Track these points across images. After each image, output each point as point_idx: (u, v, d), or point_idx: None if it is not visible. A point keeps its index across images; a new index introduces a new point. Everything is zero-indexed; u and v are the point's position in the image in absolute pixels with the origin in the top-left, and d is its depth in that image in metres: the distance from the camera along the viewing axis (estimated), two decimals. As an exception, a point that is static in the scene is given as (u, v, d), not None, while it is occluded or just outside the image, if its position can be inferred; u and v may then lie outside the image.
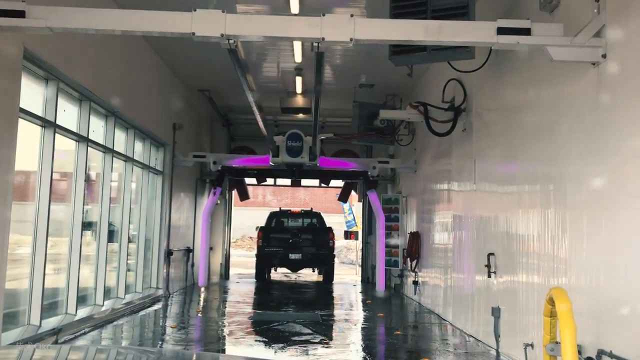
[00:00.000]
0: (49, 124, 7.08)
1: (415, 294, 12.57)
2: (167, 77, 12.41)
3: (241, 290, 15.19)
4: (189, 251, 14.39)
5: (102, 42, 8.43)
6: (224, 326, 9.48)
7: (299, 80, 12.84)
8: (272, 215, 19.30)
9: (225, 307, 12.05)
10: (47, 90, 7.13)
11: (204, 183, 16.12)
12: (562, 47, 4.86)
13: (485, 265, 7.50)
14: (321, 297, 14.24)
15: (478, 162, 8.29)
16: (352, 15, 4.77)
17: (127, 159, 10.27)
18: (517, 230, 6.70)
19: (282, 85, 13.79)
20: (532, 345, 6.01)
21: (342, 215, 26.85)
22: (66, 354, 1.62)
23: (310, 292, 15.27)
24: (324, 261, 16.96)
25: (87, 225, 8.81)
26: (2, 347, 4.41)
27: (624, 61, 4.56)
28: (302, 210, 19.74)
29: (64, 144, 7.86)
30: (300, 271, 19.86)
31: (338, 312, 11.57)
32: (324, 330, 9.19)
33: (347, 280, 19.11)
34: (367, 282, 17.56)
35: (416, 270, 12.53)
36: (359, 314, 11.74)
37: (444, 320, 9.95)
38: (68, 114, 7.83)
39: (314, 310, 11.24)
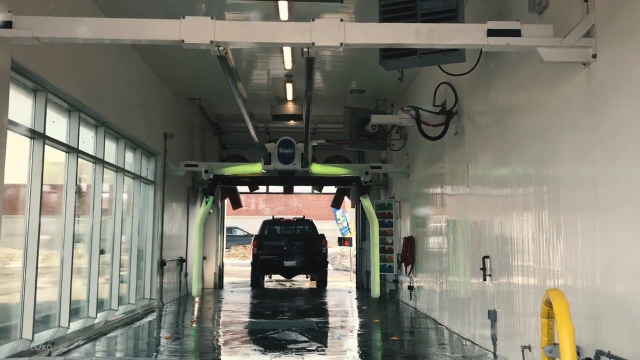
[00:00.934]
0: (38, 136, 7.01)
1: (410, 299, 12.53)
2: (157, 87, 12.37)
3: (236, 299, 15.10)
4: (182, 261, 14.30)
5: (91, 52, 8.38)
6: (219, 336, 9.40)
7: (289, 87, 12.82)
8: (265, 224, 19.73)
9: (220, 317, 11.96)
10: (36, 101, 7.07)
11: (196, 192, 16.05)
12: (552, 47, 4.86)
13: (481, 269, 7.48)
14: (316, 304, 14.17)
15: (471, 165, 8.29)
16: (341, 20, 4.76)
17: (118, 169, 10.20)
18: (512, 232, 6.68)
19: (272, 93, 13.77)
20: (529, 348, 5.98)
21: (335, 222, 26.83)
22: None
23: (305, 299, 15.20)
24: (318, 267, 17.42)
25: (78, 237, 8.72)
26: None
27: (615, 60, 4.56)
28: (294, 218, 20.28)
29: (54, 155, 7.78)
30: (294, 278, 20.13)
31: (333, 319, 11.51)
32: (320, 337, 9.13)
33: (341, 286, 19.05)
34: (362, 288, 17.51)
35: (411, 275, 12.50)
36: (354, 321, 11.68)
37: (440, 324, 9.91)
38: (57, 124, 7.77)
39: (309, 318, 11.18)
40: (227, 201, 18.12)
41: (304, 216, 20.80)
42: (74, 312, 8.43)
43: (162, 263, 12.36)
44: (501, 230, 7.03)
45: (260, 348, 8.11)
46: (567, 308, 3.68)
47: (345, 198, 18.10)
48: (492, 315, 7.20)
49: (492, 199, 7.44)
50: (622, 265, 4.42)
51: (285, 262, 16.90)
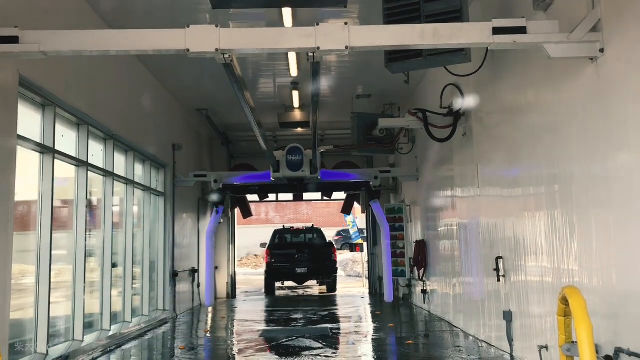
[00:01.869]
0: (47, 150, 7.05)
1: (424, 302, 12.45)
2: (164, 98, 12.42)
3: (249, 308, 15.08)
4: (194, 271, 14.30)
5: (98, 66, 8.43)
6: (233, 345, 9.38)
7: (295, 94, 12.84)
8: (276, 233, 20.77)
9: (234, 326, 11.94)
10: (45, 116, 7.11)
11: (206, 203, 16.07)
12: (559, 44, 4.83)
13: (494, 269, 7.42)
14: (329, 310, 14.12)
15: (480, 166, 8.24)
16: (346, 23, 4.75)
17: (128, 181, 10.23)
18: (525, 232, 6.62)
19: (279, 101, 13.80)
20: (546, 348, 5.92)
21: (347, 229, 26.78)
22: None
23: (318, 306, 15.15)
24: (328, 273, 18.13)
25: (90, 251, 8.75)
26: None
27: (623, 54, 4.52)
28: (303, 227, 21.45)
29: (64, 169, 7.82)
30: (305, 285, 20.80)
31: (347, 325, 11.46)
32: (335, 343, 9.09)
33: (354, 292, 18.98)
34: (375, 293, 17.44)
35: (424, 279, 12.43)
36: (368, 326, 11.62)
37: (455, 327, 9.84)
38: (67, 139, 7.81)
39: (323, 324, 11.14)
40: (237, 211, 18.12)
41: (312, 225, 21.75)
42: (88, 326, 8.44)
43: (174, 274, 12.37)
44: (513, 230, 6.97)
45: (275, 356, 8.07)
46: (584, 305, 3.63)
47: (355, 204, 18.04)
48: (508, 316, 7.14)
49: (503, 200, 7.38)
50: (638, 261, 4.36)
51: (297, 269, 17.64)
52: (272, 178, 11.85)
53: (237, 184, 12.63)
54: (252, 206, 18.91)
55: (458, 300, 9.85)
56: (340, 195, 17.51)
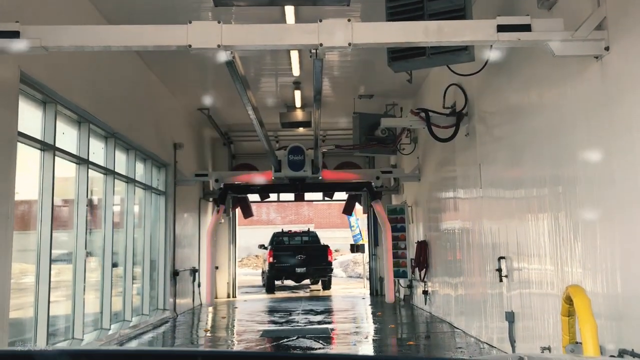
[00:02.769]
0: (48, 147, 7.02)
1: (425, 303, 12.41)
2: (165, 98, 12.39)
3: (249, 308, 15.04)
4: (194, 271, 14.26)
5: (99, 63, 8.40)
6: (234, 344, 9.34)
7: (297, 94, 12.80)
8: (275, 235, 22.54)
9: (234, 326, 11.91)
10: (46, 113, 7.08)
11: (207, 202, 16.05)
12: (563, 42, 4.79)
13: (497, 270, 7.37)
14: (330, 310, 14.08)
15: (483, 167, 8.20)
16: (349, 20, 4.72)
17: (129, 180, 10.19)
18: (528, 233, 6.58)
19: (281, 101, 13.76)
20: (549, 349, 5.87)
21: (348, 230, 26.85)
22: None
23: (318, 306, 15.11)
24: (324, 273, 19.88)
25: (90, 249, 8.72)
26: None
27: (628, 52, 4.48)
28: (300, 230, 23.77)
29: (65, 167, 7.79)
30: (304, 285, 22.14)
31: (348, 326, 11.41)
32: (335, 344, 9.04)
33: (355, 293, 18.94)
34: (376, 294, 17.39)
35: (425, 279, 12.38)
36: (369, 327, 11.57)
37: (457, 328, 9.79)
38: (67, 136, 7.77)
39: (323, 325, 11.10)
40: (238, 210, 18.08)
41: (309, 228, 24.72)
42: (88, 325, 8.40)
43: (174, 273, 12.33)
44: (516, 231, 6.92)
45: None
46: (588, 304, 3.59)
47: (357, 205, 18.00)
48: (510, 317, 7.09)
49: (506, 200, 7.34)
50: (643, 260, 4.32)
51: (297, 269, 19.25)
52: (273, 178, 11.79)
53: (238, 184, 12.58)
54: (253, 206, 18.93)
55: (459, 301, 9.80)
56: (341, 195, 17.48)
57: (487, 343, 8.15)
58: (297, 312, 13.67)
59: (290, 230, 23.09)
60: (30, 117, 6.75)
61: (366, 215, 17.96)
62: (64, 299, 7.90)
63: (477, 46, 6.82)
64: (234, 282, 17.77)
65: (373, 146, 12.04)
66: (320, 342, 8.95)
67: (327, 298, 17.88)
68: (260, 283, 22.88)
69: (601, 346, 4.53)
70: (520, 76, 6.72)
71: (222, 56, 4.76)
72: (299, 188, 12.15)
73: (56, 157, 7.20)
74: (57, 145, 7.22)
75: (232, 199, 15.81)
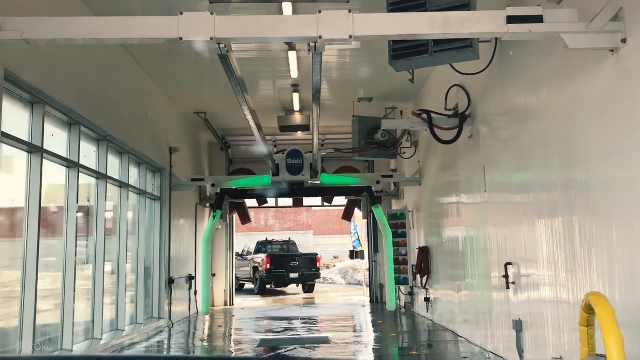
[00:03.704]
0: (35, 149, 6.73)
1: (427, 311, 12.10)
2: (161, 101, 12.11)
3: (246, 316, 14.71)
4: (191, 278, 13.95)
5: (91, 64, 8.14)
6: (231, 354, 9.02)
7: (296, 97, 12.53)
8: (259, 243, 25.08)
9: (231, 335, 11.59)
10: (33, 114, 6.79)
11: (204, 208, 15.74)
12: (577, 34, 4.51)
13: (503, 276, 7.08)
14: (330, 318, 13.76)
15: (488, 170, 7.91)
16: (349, 11, 4.44)
17: (122, 184, 9.90)
18: (537, 239, 6.28)
19: (279, 104, 13.51)
20: (561, 359, 5.58)
21: (347, 236, 26.74)
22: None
23: (317, 313, 14.80)
24: (314, 278, 22.86)
25: (82, 257, 8.42)
26: None
27: (648, 44, 4.21)
28: (282, 240, 26.33)
29: (54, 171, 7.50)
30: (303, 292, 23.37)
31: (348, 334, 11.10)
32: (335, 354, 8.72)
33: (355, 301, 18.62)
34: (376, 302, 17.08)
35: (427, 286, 12.08)
36: (370, 335, 11.26)
37: (461, 337, 9.48)
38: (57, 138, 7.49)
39: (323, 333, 10.78)
40: (236, 216, 17.78)
41: (289, 238, 26.98)
42: (79, 334, 8.09)
43: (170, 281, 12.02)
44: (524, 237, 6.63)
45: (273, 367, 7.73)
46: (612, 313, 3.30)
47: (356, 210, 17.70)
48: (518, 326, 6.79)
49: (513, 205, 7.04)
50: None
51: (291, 274, 21.88)
52: (271, 182, 11.50)
53: (235, 188, 12.29)
54: (251, 212, 18.71)
55: (463, 308, 9.50)
56: (341, 201, 17.18)
57: (493, 352, 7.84)
58: (296, 319, 13.35)
59: (274, 239, 26.05)
60: (16, 118, 6.46)
61: (365, 221, 17.65)
62: (53, 307, 7.58)
63: (481, 45, 6.57)
64: (231, 289, 17.43)
65: (373, 149, 11.78)
66: (320, 351, 8.64)
67: (326, 306, 17.56)
68: (250, 287, 24.61)
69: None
70: (527, 75, 6.44)
71: (216, 50, 4.47)
72: (297, 192, 11.85)
73: (45, 160, 6.91)
74: (46, 147, 6.93)
75: (229, 205, 15.52)
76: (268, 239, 25.87)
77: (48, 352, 6.77)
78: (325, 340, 9.77)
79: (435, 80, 11.16)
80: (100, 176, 8.82)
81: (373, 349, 9.49)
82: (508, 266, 7.03)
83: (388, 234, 11.38)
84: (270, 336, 10.88)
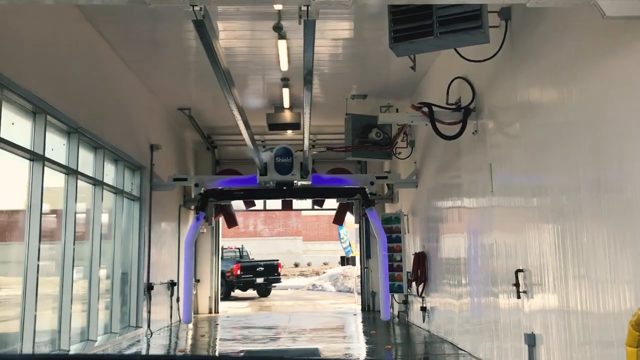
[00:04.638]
0: (-10, 139, 5.97)
1: (423, 321, 11.38)
2: (141, 93, 11.34)
3: (231, 324, 13.94)
4: (173, 284, 13.15)
5: (59, 46, 7.40)
6: (211, 368, 8.25)
7: (286, 92, 11.82)
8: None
9: (215, 345, 10.82)
10: (-11, 98, 6.04)
11: (189, 210, 14.97)
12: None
13: (514, 285, 6.38)
14: (319, 328, 13.02)
15: (495, 169, 7.23)
16: (349, -31, 3.75)
17: (97, 182, 9.13)
18: (553, 245, 5.59)
19: (268, 101, 12.81)
20: (585, 380, 4.88)
21: (337, 242, 26.20)
22: None
23: (306, 323, 14.04)
24: (276, 282, 25.46)
25: (49, 260, 7.65)
26: None
27: None
28: (235, 247, 28.49)
29: (15, 164, 6.74)
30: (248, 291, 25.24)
31: (340, 346, 10.36)
32: (326, 368, 7.99)
33: (345, 309, 17.87)
34: (368, 310, 16.35)
35: (423, 295, 11.37)
36: (362, 347, 10.52)
37: (461, 350, 8.77)
38: (18, 127, 6.72)
39: (312, 345, 10.04)
40: (222, 220, 17.01)
41: (242, 245, 29.52)
42: (42, 345, 7.30)
43: (149, 287, 11.23)
44: (539, 242, 5.94)
45: (257, 383, 6.97)
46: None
47: (348, 214, 16.99)
48: (530, 340, 6.09)
49: (526, 208, 6.33)
50: None
51: (257, 279, 24.30)
52: (258, 182, 10.76)
53: (220, 188, 11.54)
54: (239, 217, 18.04)
55: (465, 319, 8.79)
56: (332, 203, 16.46)
57: (499, 368, 7.14)
58: (283, 329, 12.60)
59: (229, 247, 27.97)
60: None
61: (356, 226, 16.92)
62: (13, 315, 6.80)
63: (490, 31, 5.91)
64: (216, 296, 16.64)
65: (367, 148, 11.11)
66: (309, 366, 7.89)
67: (316, 314, 16.82)
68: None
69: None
70: (544, 60, 5.77)
71: (190, 14, 3.76)
72: (286, 193, 11.12)
73: (3, 152, 6.16)
74: (3, 136, 6.17)
75: (215, 207, 14.76)
76: (223, 246, 27.51)
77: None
78: (314, 353, 9.04)
79: (434, 75, 10.50)
80: (71, 172, 8.05)
81: (366, 362, 8.76)
82: (519, 273, 6.34)
83: (383, 239, 10.65)
84: (256, 347, 10.12)
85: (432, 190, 10.87)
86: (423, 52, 6.33)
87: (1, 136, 6.12)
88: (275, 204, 17.20)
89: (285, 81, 11.30)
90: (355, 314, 15.98)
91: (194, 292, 15.96)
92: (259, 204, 16.82)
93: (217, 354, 9.89)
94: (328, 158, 15.41)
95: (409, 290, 12.59)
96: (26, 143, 6.87)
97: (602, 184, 4.66)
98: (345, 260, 20.24)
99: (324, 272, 34.49)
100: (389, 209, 15.15)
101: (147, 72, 10.76)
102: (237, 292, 25.44)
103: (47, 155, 7.25)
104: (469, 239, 8.48)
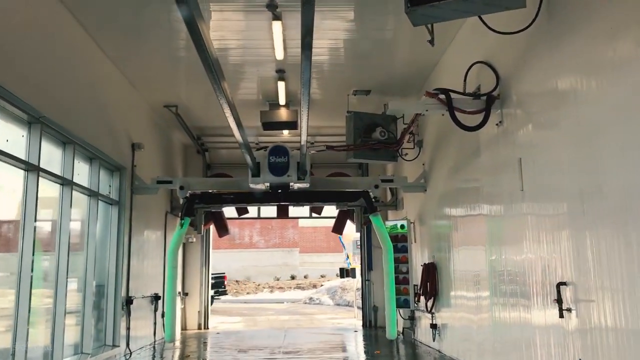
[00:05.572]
0: None
1: (433, 340, 10.24)
2: (120, 86, 10.23)
3: (222, 342, 12.79)
4: (157, 298, 12.00)
5: (17, 20, 6.33)
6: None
7: (281, 87, 10.76)
8: None
9: (200, 367, 9.70)
10: None
11: (176, 217, 13.84)
12: None
13: (555, 300, 5.28)
14: (318, 347, 11.87)
15: (526, 168, 6.15)
16: None
17: (65, 182, 8.02)
18: (611, 255, 4.51)
19: (262, 98, 11.75)
20: None
21: (335, 254, 25.14)
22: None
23: (303, 341, 12.89)
24: (223, 293, 27.80)
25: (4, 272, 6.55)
26: None
27: None
28: None
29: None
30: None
31: (341, 368, 9.23)
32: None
33: (345, 324, 16.72)
34: (370, 326, 15.19)
35: (433, 310, 10.24)
36: (366, 369, 9.40)
37: (481, 375, 7.65)
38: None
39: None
40: (212, 229, 15.86)
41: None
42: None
43: (128, 301, 10.08)
44: (590, 250, 4.85)
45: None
46: None
47: (348, 222, 15.85)
48: (577, 368, 4.98)
49: (569, 213, 5.26)
50: None
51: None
52: (250, 184, 9.66)
53: (209, 192, 10.44)
54: (234, 228, 16.97)
55: (485, 338, 7.67)
56: (330, 211, 15.32)
57: (532, 400, 6.01)
58: (279, 348, 11.44)
59: None
60: None
61: (359, 234, 15.77)
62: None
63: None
64: (206, 310, 15.46)
65: (372, 147, 10.05)
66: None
67: (313, 330, 15.65)
68: None
69: None
70: (597, 24, 4.71)
71: None
72: (280, 197, 10.02)
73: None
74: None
75: (204, 214, 13.63)
76: None
77: None
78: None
79: (446, 64, 9.47)
80: (31, 168, 6.93)
81: (372, 388, 7.64)
82: (561, 287, 5.24)
83: (389, 248, 9.54)
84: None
85: (444, 194, 9.78)
86: (445, 19, 5.28)
87: None
88: (270, 211, 16.10)
89: (281, 73, 10.24)
90: (355, 331, 14.82)
91: (182, 306, 14.81)
92: (252, 210, 15.68)
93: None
94: (327, 162, 14.39)
95: (416, 305, 11.46)
96: (-29, 130, 5.79)
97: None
98: (344, 273, 19.04)
99: (322, 285, 33.33)
100: (392, 216, 14.05)
101: (129, 62, 9.70)
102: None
103: (1, 148, 6.16)
104: (491, 247, 7.38)
